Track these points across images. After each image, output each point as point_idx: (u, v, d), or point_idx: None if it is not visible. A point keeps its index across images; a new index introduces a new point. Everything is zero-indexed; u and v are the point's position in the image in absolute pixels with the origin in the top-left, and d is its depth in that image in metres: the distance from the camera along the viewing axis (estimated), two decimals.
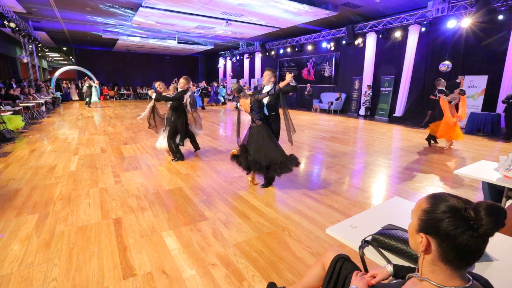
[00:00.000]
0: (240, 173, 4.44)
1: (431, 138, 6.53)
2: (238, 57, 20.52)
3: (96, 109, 13.93)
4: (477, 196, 3.68)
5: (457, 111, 6.13)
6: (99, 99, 15.15)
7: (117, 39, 17.40)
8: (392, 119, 10.93)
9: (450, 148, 6.30)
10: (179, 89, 4.93)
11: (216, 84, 17.56)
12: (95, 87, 14.44)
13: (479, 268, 1.19)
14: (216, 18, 11.47)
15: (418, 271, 0.85)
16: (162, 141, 5.14)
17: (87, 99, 14.52)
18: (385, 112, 11.40)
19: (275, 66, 17.80)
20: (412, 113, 10.47)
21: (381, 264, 1.21)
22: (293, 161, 3.57)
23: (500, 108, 7.99)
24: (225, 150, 5.99)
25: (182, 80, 4.91)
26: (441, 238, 0.75)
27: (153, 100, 4.95)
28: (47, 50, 19.17)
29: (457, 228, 0.73)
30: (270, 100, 3.66)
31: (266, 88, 3.67)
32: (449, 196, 0.79)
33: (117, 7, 10.41)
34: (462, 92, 5.97)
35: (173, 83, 7.00)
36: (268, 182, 3.93)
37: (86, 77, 16.35)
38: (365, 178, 4.34)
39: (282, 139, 4.02)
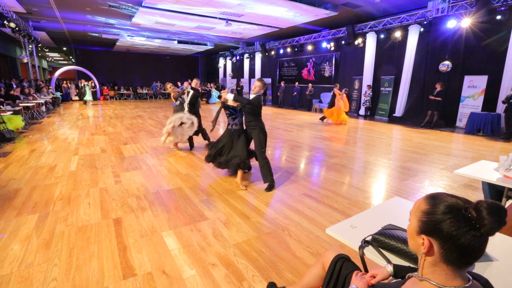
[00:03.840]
0: None
1: (323, 118, 10.23)
2: (238, 57, 20.53)
3: (91, 107, 14.79)
4: (477, 196, 3.68)
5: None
6: (97, 98, 16.12)
7: (117, 39, 17.41)
8: (392, 119, 10.92)
9: (339, 124, 9.83)
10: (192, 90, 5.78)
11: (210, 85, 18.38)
12: (87, 85, 16.60)
13: (479, 268, 1.19)
14: (216, 18, 11.48)
15: (418, 271, 0.85)
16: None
17: (83, 98, 16.70)
18: (385, 112, 11.40)
19: (275, 66, 17.81)
20: (412, 113, 10.47)
21: (381, 264, 1.21)
22: (245, 164, 3.90)
23: (500, 108, 7.98)
24: None
25: (195, 81, 5.77)
26: (443, 239, 0.74)
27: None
28: (47, 50, 19.19)
29: (459, 229, 0.72)
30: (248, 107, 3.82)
31: (252, 96, 3.77)
32: (448, 196, 0.79)
33: (118, 6, 10.39)
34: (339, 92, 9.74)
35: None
36: (271, 186, 3.82)
37: (82, 80, 17.84)
38: (365, 178, 4.34)
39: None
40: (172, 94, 5.93)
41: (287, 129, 8.87)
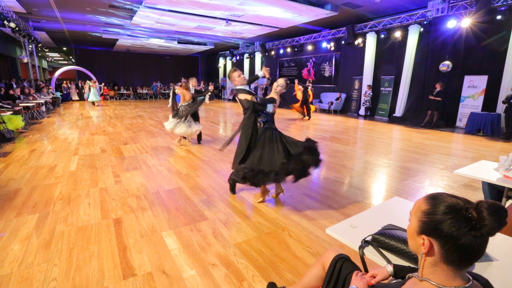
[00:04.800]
0: None
1: (304, 114, 11.03)
2: (238, 57, 20.52)
3: (94, 108, 14.68)
4: (477, 196, 3.68)
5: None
6: (98, 98, 15.83)
7: (117, 39, 17.39)
8: (392, 119, 10.92)
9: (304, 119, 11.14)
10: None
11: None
12: (90, 85, 15.89)
13: (479, 268, 1.19)
14: (216, 18, 11.48)
15: (418, 272, 0.85)
16: (180, 128, 6.00)
17: (89, 99, 16.16)
18: (385, 112, 11.40)
19: (275, 66, 17.80)
20: (412, 113, 10.47)
21: (381, 264, 1.21)
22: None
23: (500, 108, 7.98)
24: (225, 150, 5.97)
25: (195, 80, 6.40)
26: (443, 239, 0.74)
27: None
28: (47, 50, 19.16)
29: (460, 229, 0.72)
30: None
31: (246, 87, 3.31)
32: (448, 196, 0.79)
33: (118, 6, 10.39)
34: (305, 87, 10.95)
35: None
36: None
37: (92, 80, 17.26)
38: (365, 178, 4.34)
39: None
40: (189, 95, 6.11)
41: (287, 129, 8.87)
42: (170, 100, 6.46)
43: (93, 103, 15.78)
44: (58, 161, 5.03)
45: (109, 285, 1.99)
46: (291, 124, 9.88)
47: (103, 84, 16.06)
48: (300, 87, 11.05)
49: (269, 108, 3.18)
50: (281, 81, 3.18)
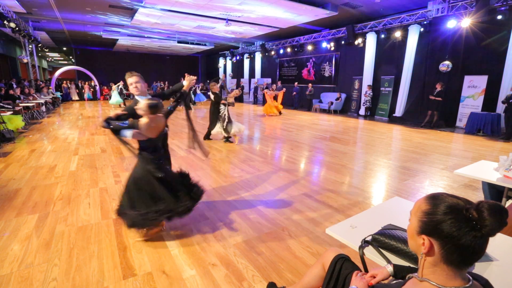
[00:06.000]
0: (240, 173, 4.45)
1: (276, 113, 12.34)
2: (238, 57, 20.52)
3: (90, 108, 14.66)
4: (477, 196, 3.68)
5: (276, 100, 12.72)
6: (121, 100, 15.04)
7: (117, 39, 17.40)
8: (392, 119, 10.92)
9: (273, 116, 12.13)
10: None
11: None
12: (112, 89, 15.52)
13: (479, 268, 1.19)
14: (216, 18, 11.48)
15: (418, 272, 0.85)
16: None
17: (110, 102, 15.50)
18: (385, 112, 11.40)
19: (275, 66, 17.79)
20: (412, 113, 10.47)
21: (381, 264, 1.21)
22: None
23: (500, 108, 7.98)
24: (225, 150, 5.99)
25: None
26: (444, 239, 0.74)
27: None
28: (47, 50, 19.17)
29: (460, 229, 0.72)
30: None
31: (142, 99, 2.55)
32: (448, 196, 0.78)
33: (118, 6, 10.39)
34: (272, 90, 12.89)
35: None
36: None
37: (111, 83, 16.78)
38: (365, 178, 4.34)
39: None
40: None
41: (287, 129, 8.88)
42: (214, 105, 6.46)
43: (120, 105, 15.04)
44: (58, 161, 5.03)
45: (109, 285, 1.99)
46: (286, 120, 9.89)
47: (121, 83, 15.16)
48: (271, 92, 12.76)
49: (125, 134, 2.31)
50: (141, 105, 2.38)
